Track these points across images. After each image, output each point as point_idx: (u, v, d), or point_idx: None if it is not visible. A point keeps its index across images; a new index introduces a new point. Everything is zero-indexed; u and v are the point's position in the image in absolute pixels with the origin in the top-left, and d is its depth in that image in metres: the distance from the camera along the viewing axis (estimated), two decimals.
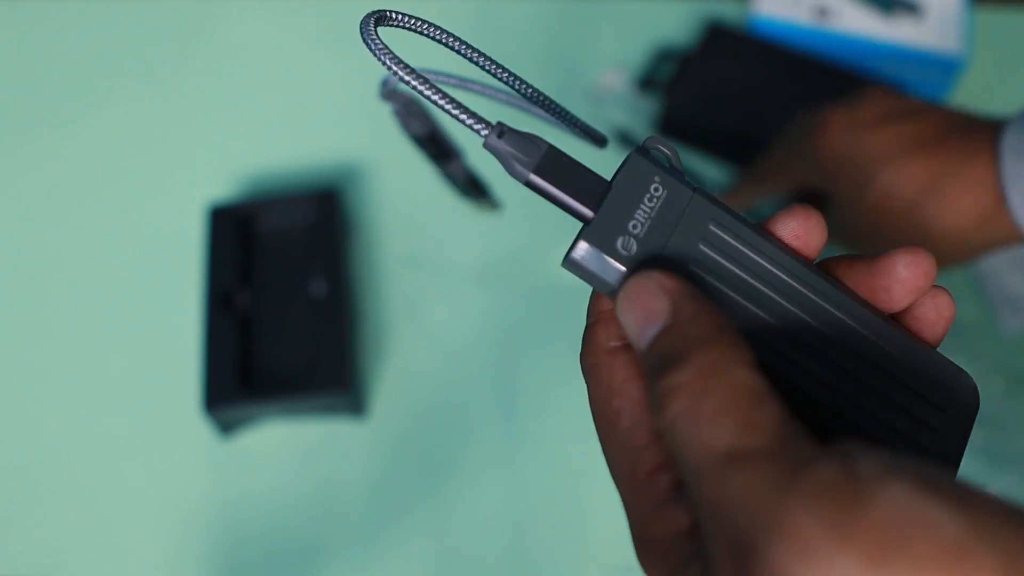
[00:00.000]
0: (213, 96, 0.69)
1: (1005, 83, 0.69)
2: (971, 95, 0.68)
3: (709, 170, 0.64)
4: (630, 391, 0.22)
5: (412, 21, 0.24)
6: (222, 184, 0.64)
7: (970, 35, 0.72)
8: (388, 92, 0.32)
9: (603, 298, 0.23)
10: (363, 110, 0.68)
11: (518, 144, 0.22)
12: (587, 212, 0.22)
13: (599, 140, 0.27)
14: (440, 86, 0.25)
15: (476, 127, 0.22)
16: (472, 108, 0.68)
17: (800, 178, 0.50)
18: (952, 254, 0.46)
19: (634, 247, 0.22)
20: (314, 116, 0.68)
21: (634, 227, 0.22)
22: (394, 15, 0.24)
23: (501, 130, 0.22)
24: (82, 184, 0.65)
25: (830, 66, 0.63)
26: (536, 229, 0.62)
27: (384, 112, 0.68)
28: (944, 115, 0.47)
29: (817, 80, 0.63)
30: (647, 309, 0.20)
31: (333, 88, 0.69)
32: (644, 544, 0.21)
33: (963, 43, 0.64)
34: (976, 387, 0.23)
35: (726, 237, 0.22)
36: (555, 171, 0.22)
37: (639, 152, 0.22)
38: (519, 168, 0.22)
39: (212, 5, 0.74)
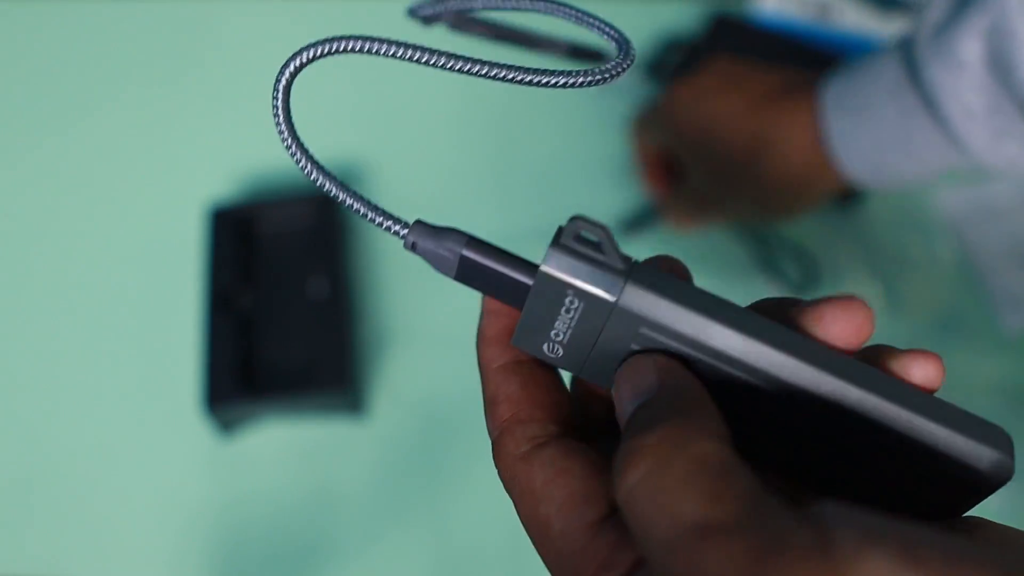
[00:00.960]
0: (213, 96, 0.69)
1: None
2: None
3: None
4: (554, 493, 0.20)
5: (334, 45, 0.20)
6: (222, 184, 0.64)
7: None
8: (423, 16, 0.29)
9: (501, 406, 0.22)
10: (363, 110, 0.68)
11: (432, 254, 0.21)
12: (516, 309, 0.22)
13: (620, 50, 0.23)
14: (354, 190, 0.22)
15: (394, 230, 0.21)
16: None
17: (660, 142, 0.54)
18: (789, 204, 0.50)
19: (560, 352, 0.21)
20: (314, 116, 0.68)
21: (556, 335, 0.21)
22: (309, 55, 0.20)
23: (413, 242, 0.21)
24: (82, 184, 0.65)
25: (834, 56, 0.64)
26: (537, 228, 0.62)
27: (385, 112, 0.68)
28: (779, 78, 0.51)
29: (821, 70, 0.63)
30: (636, 384, 0.20)
31: (333, 88, 0.69)
32: None
33: None
34: (1002, 458, 0.19)
35: (660, 338, 0.20)
36: (476, 274, 0.21)
37: (557, 247, 0.20)
38: (443, 271, 0.21)
39: (213, 6, 0.74)
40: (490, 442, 0.23)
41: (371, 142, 0.66)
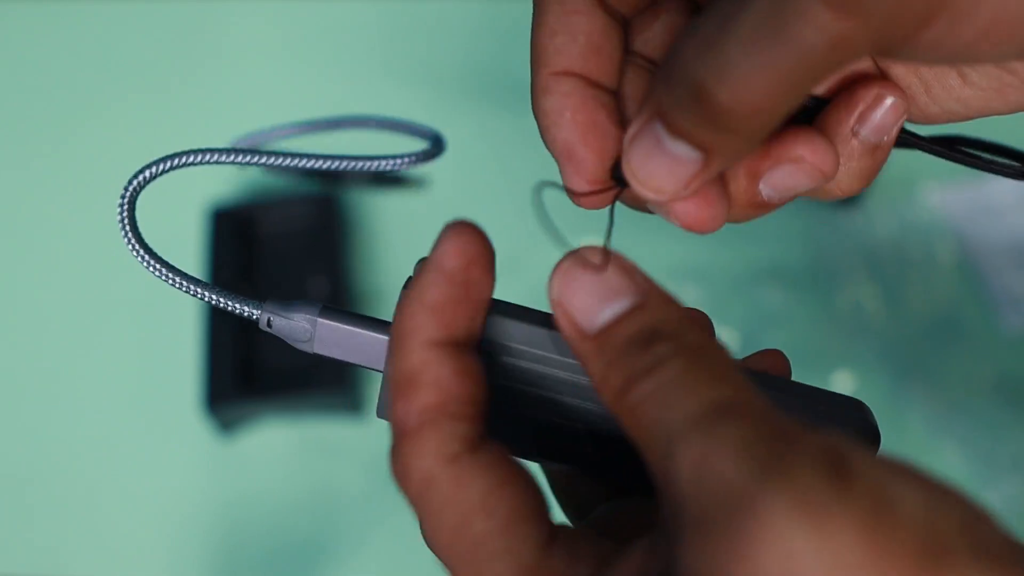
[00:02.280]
0: (213, 96, 0.69)
1: None
2: None
3: None
4: (497, 506, 0.17)
5: (170, 162, 0.21)
6: (222, 184, 0.64)
7: None
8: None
9: (425, 390, 0.18)
10: (363, 110, 0.68)
11: (287, 329, 0.21)
12: (379, 373, 0.21)
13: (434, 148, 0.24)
14: (196, 278, 0.23)
15: (248, 313, 0.21)
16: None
17: None
18: None
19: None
20: (313, 116, 0.68)
21: None
22: (145, 176, 0.21)
23: (267, 319, 0.21)
24: (82, 184, 0.65)
25: None
26: (534, 228, 0.62)
27: (385, 112, 0.68)
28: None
29: None
30: (607, 284, 0.18)
31: (333, 89, 0.69)
32: None
33: None
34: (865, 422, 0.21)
35: (506, 359, 0.20)
36: (337, 341, 0.21)
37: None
38: (303, 348, 0.21)
39: (213, 6, 0.74)
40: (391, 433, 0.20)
41: (371, 143, 0.66)
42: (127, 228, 0.21)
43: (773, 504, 0.14)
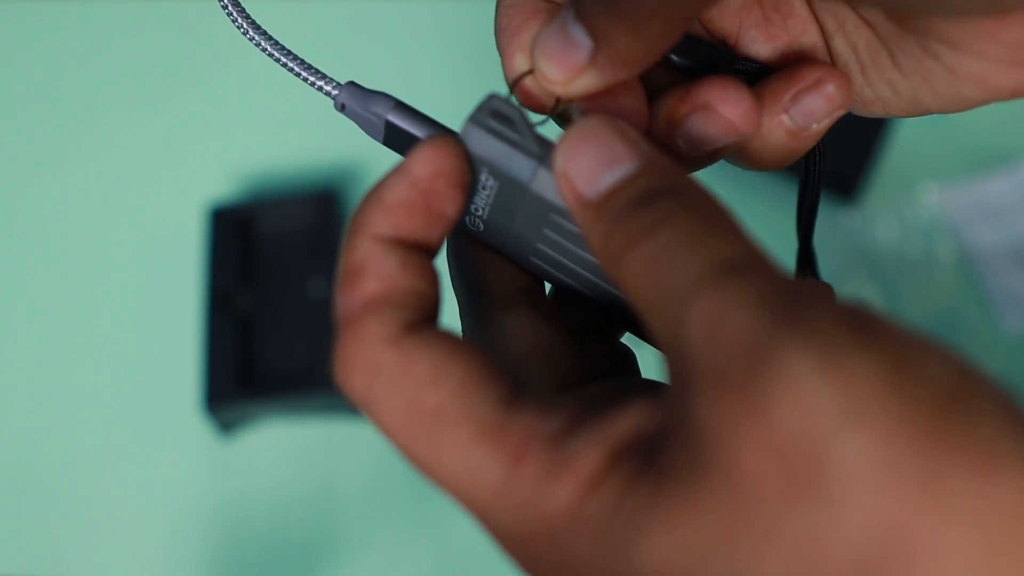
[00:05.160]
0: (213, 96, 0.69)
1: None
2: None
3: None
4: (448, 373, 0.17)
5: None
6: (222, 184, 0.64)
7: None
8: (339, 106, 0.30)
9: (369, 280, 0.18)
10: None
11: (360, 117, 0.21)
12: None
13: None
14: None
15: (325, 90, 0.21)
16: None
17: None
18: None
19: (481, 227, 0.21)
20: (314, 116, 0.68)
21: (476, 210, 0.20)
22: None
23: (342, 104, 0.21)
24: (83, 184, 0.65)
25: None
26: None
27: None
28: None
29: None
30: (610, 151, 0.17)
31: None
32: None
33: None
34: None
35: (571, 227, 0.20)
36: (402, 140, 0.21)
37: (473, 123, 0.19)
38: (372, 135, 0.21)
39: (213, 5, 0.74)
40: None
41: (371, 143, 0.66)
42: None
43: (792, 354, 0.13)
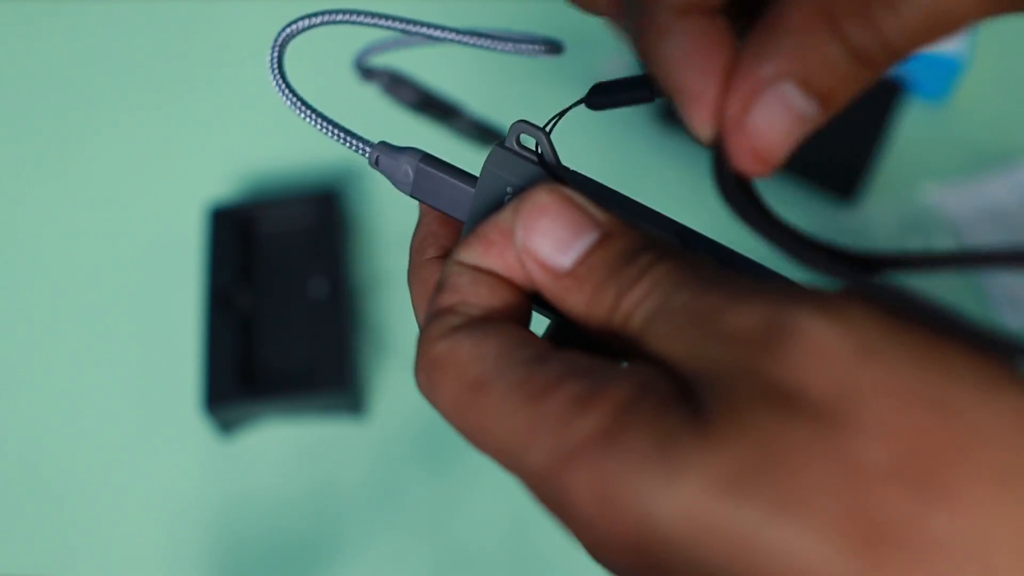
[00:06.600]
0: (213, 96, 0.69)
1: (1005, 83, 0.69)
2: (971, 95, 0.68)
3: (711, 155, 0.64)
4: (488, 350, 0.18)
5: (321, 18, 0.23)
6: (222, 184, 0.64)
7: (970, 35, 0.72)
8: (365, 72, 0.32)
9: (442, 293, 0.20)
10: (363, 111, 0.68)
11: (392, 168, 0.23)
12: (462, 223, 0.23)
13: (554, 49, 0.25)
14: (324, 114, 0.25)
15: (360, 149, 0.23)
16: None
17: None
18: None
19: None
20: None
21: None
22: (302, 23, 0.24)
23: (376, 157, 0.23)
24: (83, 184, 0.65)
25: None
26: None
27: (386, 112, 0.68)
28: None
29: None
30: (570, 222, 0.19)
31: (333, 89, 0.69)
32: None
33: (963, 43, 0.64)
34: None
35: None
36: (430, 187, 0.22)
37: (499, 147, 0.21)
38: (401, 189, 0.23)
39: (213, 5, 0.74)
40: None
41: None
42: (275, 70, 0.23)
43: (803, 317, 0.16)
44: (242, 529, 0.52)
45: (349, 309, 0.55)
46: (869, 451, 0.14)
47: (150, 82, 0.70)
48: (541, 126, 0.21)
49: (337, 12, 0.23)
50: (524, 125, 0.21)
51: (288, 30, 0.23)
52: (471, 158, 0.65)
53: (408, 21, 0.23)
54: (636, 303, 0.17)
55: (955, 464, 0.14)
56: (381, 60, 0.69)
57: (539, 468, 0.16)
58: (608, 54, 0.70)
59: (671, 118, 0.65)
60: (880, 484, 0.14)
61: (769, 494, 0.15)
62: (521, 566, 0.51)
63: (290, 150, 0.66)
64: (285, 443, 0.54)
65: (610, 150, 0.65)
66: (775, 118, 0.18)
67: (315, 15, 0.23)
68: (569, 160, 0.65)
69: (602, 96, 0.21)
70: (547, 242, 0.18)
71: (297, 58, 0.71)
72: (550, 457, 0.16)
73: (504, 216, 0.19)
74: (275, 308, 0.56)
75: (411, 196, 0.23)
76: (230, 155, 0.66)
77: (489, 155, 0.21)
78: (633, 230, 0.19)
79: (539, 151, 0.21)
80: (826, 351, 0.15)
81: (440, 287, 0.20)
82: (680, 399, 0.16)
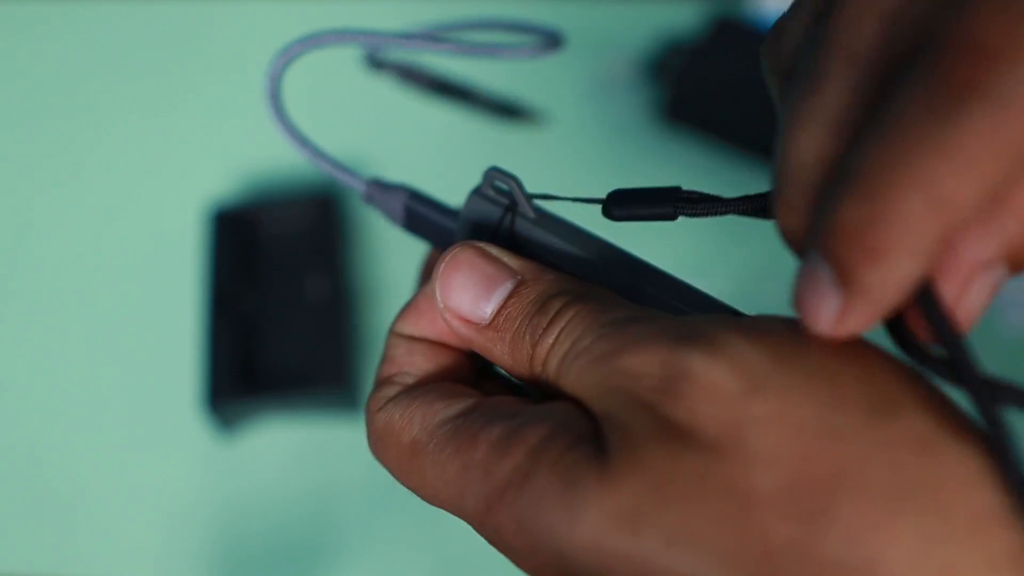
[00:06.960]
0: (214, 97, 0.69)
1: None
2: None
3: (713, 156, 0.64)
4: (416, 412, 0.20)
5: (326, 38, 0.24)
6: (222, 185, 0.65)
7: None
8: (375, 64, 0.33)
9: (383, 364, 0.21)
10: (363, 111, 0.68)
11: (384, 204, 0.24)
12: None
13: (553, 43, 0.25)
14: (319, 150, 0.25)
15: (354, 186, 0.24)
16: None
17: None
18: None
19: None
20: (314, 117, 0.68)
21: None
22: (296, 48, 0.24)
23: (369, 195, 0.24)
24: (83, 184, 0.65)
25: None
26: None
27: (385, 113, 0.68)
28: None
29: None
30: (484, 276, 0.20)
31: (333, 89, 0.69)
32: None
33: None
34: None
35: None
36: (418, 224, 0.24)
37: (475, 195, 0.22)
38: (394, 224, 0.24)
39: (213, 6, 0.74)
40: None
41: (371, 143, 0.67)
42: (272, 100, 0.24)
43: (693, 358, 0.16)
44: (242, 528, 0.52)
45: (349, 309, 0.55)
46: (759, 480, 0.15)
47: (151, 83, 0.70)
48: (512, 174, 0.22)
49: (326, 34, 0.24)
50: (496, 173, 0.21)
51: (281, 59, 0.24)
52: (495, 137, 0.65)
53: (402, 36, 0.24)
54: (548, 349, 0.19)
55: (843, 488, 0.15)
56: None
57: (474, 512, 0.18)
58: (609, 54, 0.70)
59: (671, 118, 0.65)
60: (770, 511, 0.15)
61: (663, 526, 0.15)
62: None
63: (291, 152, 0.66)
64: (285, 443, 0.54)
65: (610, 150, 0.65)
66: (985, 299, 0.17)
67: (306, 39, 0.23)
68: (569, 159, 0.65)
69: (621, 208, 0.21)
70: (466, 297, 0.20)
71: (298, 58, 0.71)
72: (481, 502, 0.18)
73: (431, 283, 0.21)
74: (275, 308, 0.56)
75: (404, 230, 0.23)
76: (231, 156, 0.66)
77: (466, 202, 0.22)
78: (546, 275, 0.20)
79: (511, 198, 0.22)
80: (715, 389, 0.16)
81: (381, 359, 0.21)
82: (589, 438, 0.17)
